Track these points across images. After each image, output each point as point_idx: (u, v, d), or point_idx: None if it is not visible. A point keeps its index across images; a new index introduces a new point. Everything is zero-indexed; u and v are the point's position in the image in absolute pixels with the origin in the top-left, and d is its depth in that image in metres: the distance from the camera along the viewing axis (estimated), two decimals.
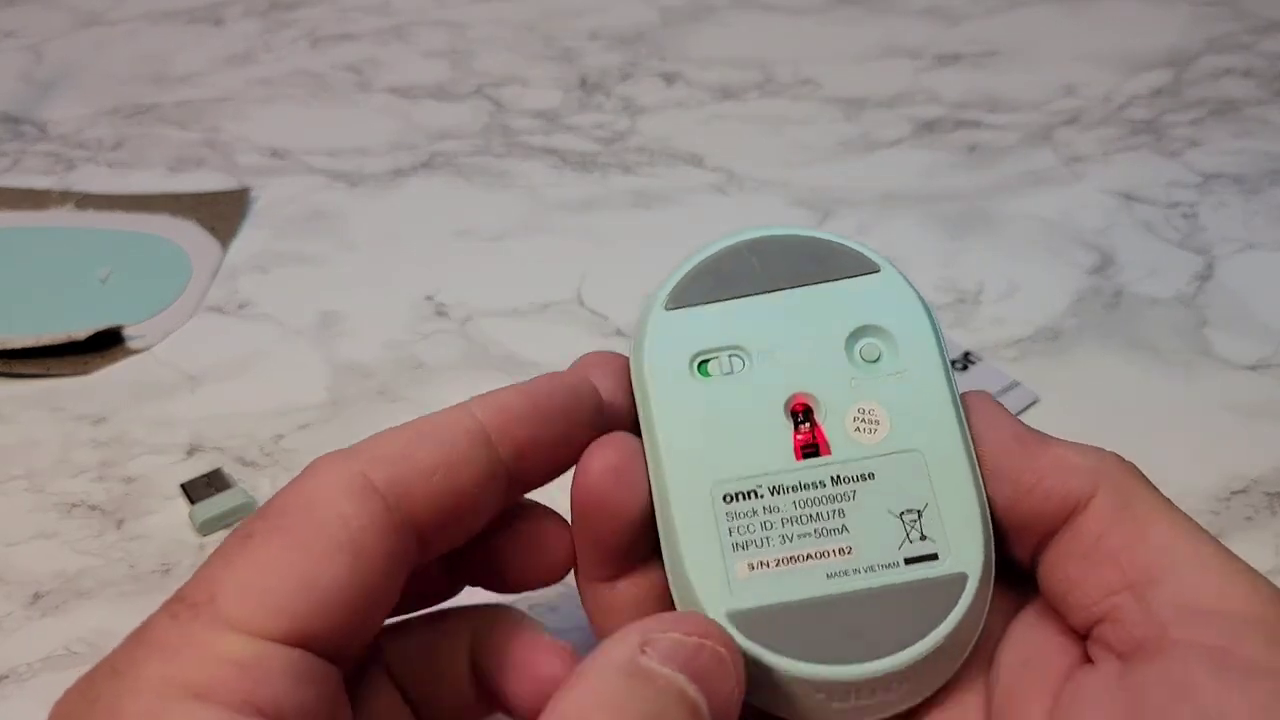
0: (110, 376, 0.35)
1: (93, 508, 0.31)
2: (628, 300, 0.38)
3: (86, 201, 0.43)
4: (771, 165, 0.44)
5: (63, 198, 0.43)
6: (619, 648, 0.16)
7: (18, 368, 0.35)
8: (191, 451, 0.33)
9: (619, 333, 0.37)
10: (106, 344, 0.36)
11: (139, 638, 0.16)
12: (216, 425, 0.33)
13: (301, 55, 0.53)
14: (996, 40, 0.53)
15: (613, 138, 0.47)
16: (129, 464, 0.32)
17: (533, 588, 0.22)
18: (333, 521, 0.17)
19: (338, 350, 0.36)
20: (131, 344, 0.36)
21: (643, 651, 0.16)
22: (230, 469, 0.32)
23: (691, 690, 0.16)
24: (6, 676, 0.27)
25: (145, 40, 0.55)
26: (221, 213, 0.42)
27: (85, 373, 0.35)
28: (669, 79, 0.51)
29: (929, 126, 0.47)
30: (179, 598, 0.16)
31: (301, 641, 0.16)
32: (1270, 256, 0.39)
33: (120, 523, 0.31)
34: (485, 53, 0.53)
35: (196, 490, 0.31)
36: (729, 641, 0.18)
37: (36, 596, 0.29)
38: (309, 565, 0.16)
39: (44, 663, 0.27)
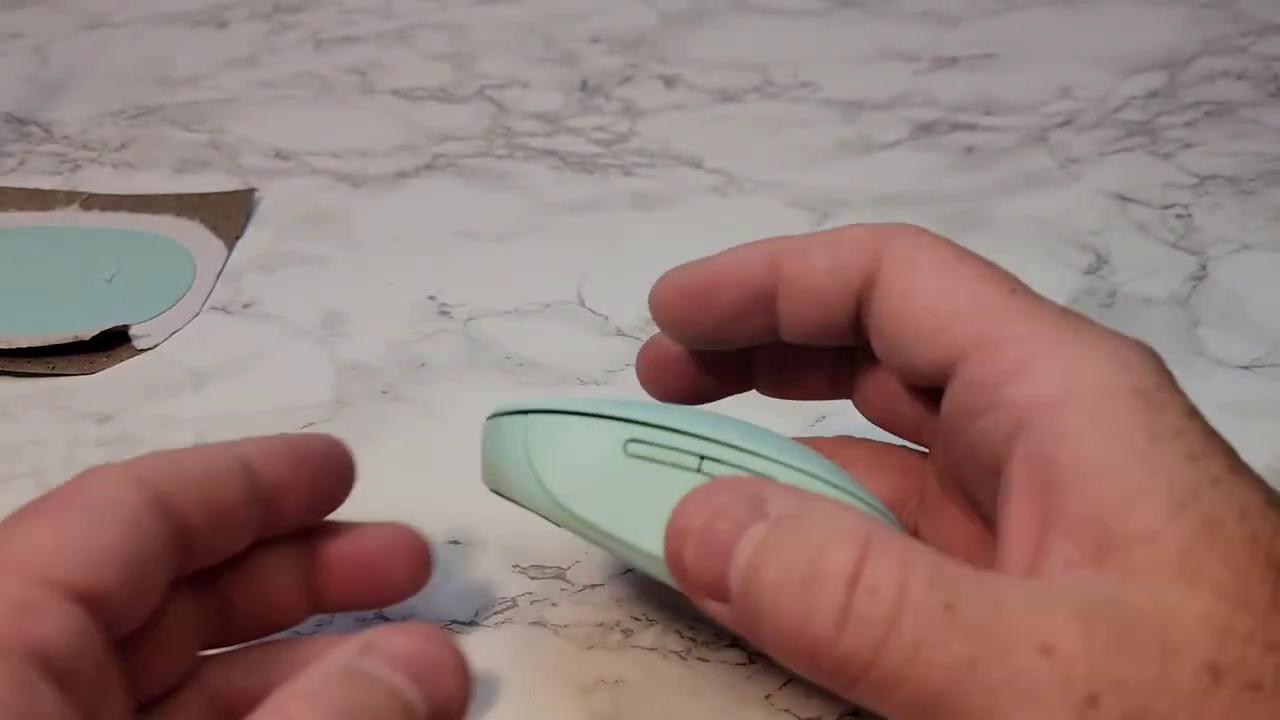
0: (116, 375, 0.36)
1: None
2: (628, 301, 0.38)
3: (92, 202, 0.44)
4: (770, 167, 0.45)
5: (68, 198, 0.44)
6: (342, 650, 0.17)
7: (24, 367, 0.36)
8: None
9: (619, 333, 0.37)
10: (112, 343, 0.37)
11: None
12: (221, 424, 0.34)
13: (305, 57, 0.54)
14: (993, 43, 0.53)
15: (613, 140, 0.47)
16: None
17: (393, 602, 0.24)
18: (111, 500, 0.19)
19: (341, 350, 0.37)
20: (137, 343, 0.37)
21: (363, 654, 0.17)
22: None
23: (407, 690, 0.17)
24: None
25: (150, 42, 0.55)
26: (226, 213, 0.43)
27: (91, 372, 0.36)
28: (669, 81, 0.51)
29: (926, 129, 0.47)
30: None
31: (75, 594, 0.17)
32: (1264, 257, 0.40)
33: None
34: (487, 55, 0.53)
35: None
36: (451, 646, 0.18)
37: None
38: (92, 528, 0.18)
39: None
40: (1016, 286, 0.20)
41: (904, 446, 0.26)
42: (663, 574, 0.20)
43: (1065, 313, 0.20)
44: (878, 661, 0.17)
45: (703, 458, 0.20)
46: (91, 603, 0.17)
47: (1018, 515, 0.18)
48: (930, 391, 0.22)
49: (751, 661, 0.27)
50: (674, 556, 0.18)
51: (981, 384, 0.19)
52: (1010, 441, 0.19)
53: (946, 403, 0.21)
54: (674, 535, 0.18)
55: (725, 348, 0.24)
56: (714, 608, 0.18)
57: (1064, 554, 0.17)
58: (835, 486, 0.21)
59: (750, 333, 0.23)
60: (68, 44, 0.55)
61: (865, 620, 0.17)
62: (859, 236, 0.21)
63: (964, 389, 0.20)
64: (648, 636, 0.27)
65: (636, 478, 0.20)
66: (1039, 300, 0.20)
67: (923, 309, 0.20)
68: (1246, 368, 0.35)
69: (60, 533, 0.18)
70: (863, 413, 0.25)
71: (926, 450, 0.25)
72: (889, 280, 0.21)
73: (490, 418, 0.22)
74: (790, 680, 0.26)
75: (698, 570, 0.18)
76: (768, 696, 0.26)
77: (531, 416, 0.21)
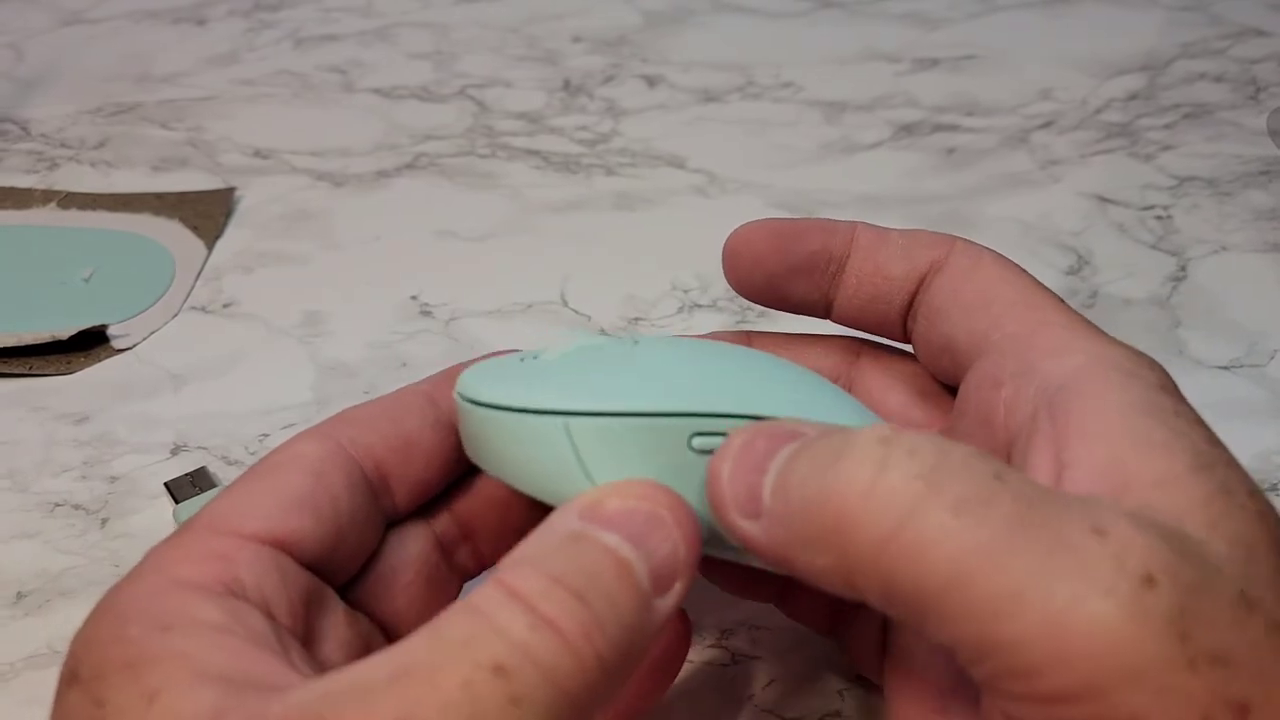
0: (94, 375, 0.35)
1: (76, 507, 0.31)
2: (611, 301, 0.38)
3: (69, 200, 0.43)
4: (753, 167, 0.45)
5: (46, 197, 0.43)
6: (562, 516, 0.17)
7: (0, 367, 0.35)
8: (175, 451, 0.33)
9: (602, 333, 0.37)
10: (90, 343, 0.36)
11: (152, 549, 0.19)
12: (200, 424, 0.34)
13: (285, 55, 0.53)
14: (974, 44, 0.53)
15: (596, 139, 0.47)
16: (113, 463, 0.32)
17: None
18: (296, 458, 0.20)
19: (322, 350, 0.36)
20: (115, 343, 0.37)
21: (580, 517, 0.17)
22: (214, 468, 0.32)
23: (625, 549, 0.17)
24: None
25: (128, 39, 0.55)
26: (206, 212, 0.42)
27: (68, 372, 0.35)
28: (651, 81, 0.51)
29: (908, 130, 0.47)
30: (184, 523, 0.20)
31: (272, 540, 0.19)
32: (1242, 258, 0.40)
33: (104, 522, 0.31)
34: (468, 54, 0.53)
35: (181, 489, 0.31)
36: (675, 503, 0.18)
37: (19, 596, 0.29)
38: (276, 483, 0.20)
39: (26, 662, 0.27)
40: (1064, 303, 0.22)
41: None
42: (743, 559, 0.20)
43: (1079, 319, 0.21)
44: (915, 518, 0.15)
45: (707, 451, 0.19)
46: (283, 544, 0.19)
47: (1036, 464, 0.19)
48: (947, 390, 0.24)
49: (735, 662, 0.27)
50: (713, 476, 0.18)
51: (1016, 355, 0.20)
52: (1035, 406, 0.19)
53: (972, 374, 0.22)
54: (715, 459, 0.18)
55: (776, 305, 0.25)
56: (745, 529, 0.17)
57: (1084, 491, 0.17)
58: None
59: (807, 296, 0.24)
60: (44, 40, 0.55)
61: (904, 473, 0.16)
62: (935, 234, 0.23)
63: (996, 360, 0.21)
64: None
65: (703, 472, 0.19)
66: (1081, 315, 0.22)
67: (976, 290, 0.22)
68: (1225, 368, 0.35)
69: (248, 491, 0.20)
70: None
71: None
72: (953, 266, 0.22)
73: (495, 408, 0.20)
74: (773, 681, 0.26)
75: (734, 484, 0.18)
76: (750, 696, 0.26)
77: (575, 420, 0.19)
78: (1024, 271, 0.22)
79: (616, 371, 0.20)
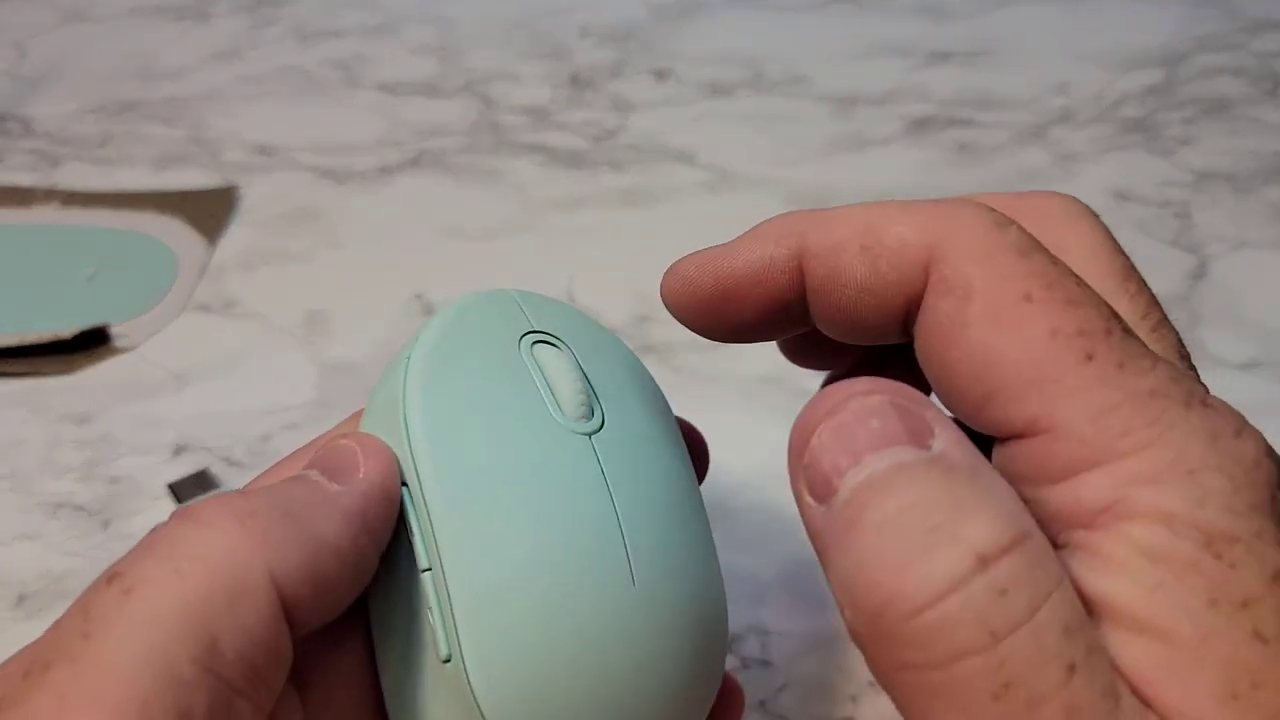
0: (96, 375, 0.35)
1: (78, 508, 0.31)
2: (618, 299, 0.37)
3: (72, 199, 0.43)
4: (762, 163, 0.44)
5: (48, 195, 0.43)
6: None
7: (2, 367, 0.35)
8: (178, 451, 0.32)
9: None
10: (92, 343, 0.36)
11: None
12: (203, 425, 0.33)
13: (288, 51, 0.53)
14: (988, 38, 0.53)
15: (603, 135, 0.46)
16: (115, 464, 0.32)
17: None
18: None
19: (325, 349, 0.36)
20: (117, 343, 0.36)
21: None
22: (217, 469, 0.31)
23: (311, 473, 0.18)
24: None
25: (130, 36, 0.54)
26: (208, 210, 0.42)
27: (70, 372, 0.35)
28: (660, 76, 0.50)
29: (920, 124, 0.47)
30: None
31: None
32: (1262, 255, 0.39)
33: (106, 523, 0.30)
34: (474, 49, 0.53)
35: (183, 490, 0.30)
36: (363, 438, 0.18)
37: (21, 598, 0.28)
38: None
39: None
40: (1095, 348, 0.15)
41: None
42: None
43: (1155, 394, 0.15)
44: (952, 667, 0.13)
45: (429, 570, 0.17)
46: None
47: None
48: None
49: (745, 667, 0.26)
50: (804, 423, 0.15)
51: (1023, 476, 0.15)
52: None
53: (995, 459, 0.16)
54: (820, 402, 0.15)
55: (756, 341, 0.20)
56: (805, 501, 0.15)
57: None
58: None
59: (782, 332, 0.19)
60: (47, 38, 0.54)
61: (972, 612, 0.13)
62: (903, 243, 0.16)
63: (1004, 467, 0.16)
64: None
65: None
66: (1124, 365, 0.15)
67: (969, 373, 0.15)
68: (1245, 367, 0.35)
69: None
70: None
71: None
72: (932, 319, 0.16)
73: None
74: (784, 686, 0.26)
75: (818, 455, 0.14)
76: (762, 702, 0.25)
77: (408, 361, 0.18)
78: (1035, 298, 0.15)
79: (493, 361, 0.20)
